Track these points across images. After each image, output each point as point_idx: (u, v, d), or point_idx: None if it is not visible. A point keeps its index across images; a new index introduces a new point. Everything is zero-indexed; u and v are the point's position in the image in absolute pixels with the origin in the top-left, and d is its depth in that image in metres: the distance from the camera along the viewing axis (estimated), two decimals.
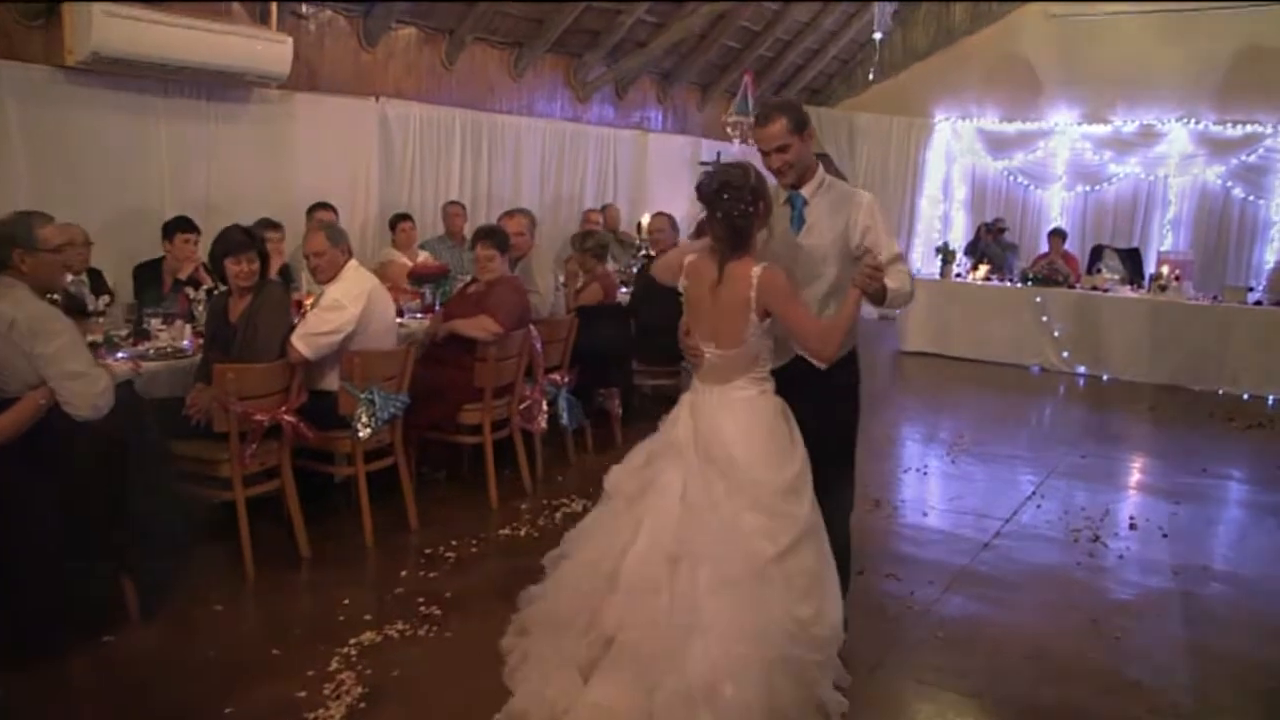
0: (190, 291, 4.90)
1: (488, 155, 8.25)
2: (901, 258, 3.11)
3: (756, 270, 2.81)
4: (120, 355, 4.16)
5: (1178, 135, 10.35)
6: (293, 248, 5.86)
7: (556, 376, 5.26)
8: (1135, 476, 6.04)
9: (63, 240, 3.41)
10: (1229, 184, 10.30)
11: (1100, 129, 10.76)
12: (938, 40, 11.58)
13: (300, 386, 4.02)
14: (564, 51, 8.85)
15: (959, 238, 11.29)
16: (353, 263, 4.35)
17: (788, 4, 9.91)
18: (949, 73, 11.50)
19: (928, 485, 5.64)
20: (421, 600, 3.72)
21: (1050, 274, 9.22)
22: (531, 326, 4.94)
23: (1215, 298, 8.59)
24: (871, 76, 10.95)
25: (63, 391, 3.11)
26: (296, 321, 4.17)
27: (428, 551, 4.22)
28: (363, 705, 2.99)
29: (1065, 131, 10.96)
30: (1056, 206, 11.23)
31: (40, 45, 5.35)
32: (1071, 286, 9.11)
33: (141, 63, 5.44)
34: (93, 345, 4.07)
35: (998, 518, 4.96)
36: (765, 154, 3.08)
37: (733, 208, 2.82)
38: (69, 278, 4.83)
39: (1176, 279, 8.74)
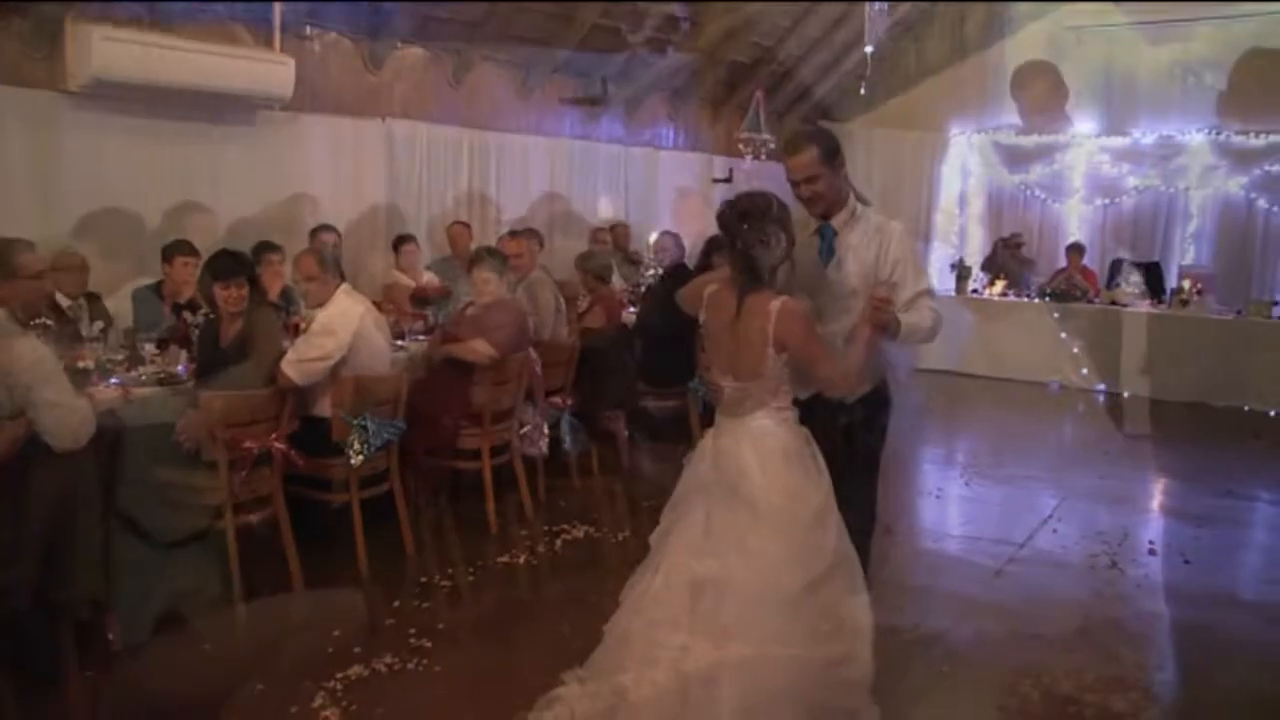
0: (189, 316, 4.86)
1: (495, 174, 8.19)
2: (929, 293, 3.01)
3: (775, 304, 2.70)
4: (113, 381, 4.09)
5: (1198, 146, 10.12)
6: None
7: (558, 400, 5.18)
8: (1156, 498, 5.84)
9: (44, 267, 3.36)
10: (1252, 195, 10.01)
11: (1119, 141, 10.55)
12: (952, 54, 11.46)
13: (292, 413, 3.96)
14: (571, 72, 8.80)
15: (975, 252, 11.12)
16: (345, 287, 4.29)
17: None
18: (964, 86, 11.34)
19: (941, 509, 5.49)
20: (413, 632, 3.64)
21: (1069, 289, 9.05)
22: (531, 350, 4.87)
23: (1239, 312, 8.39)
24: (863, 90, 10.80)
25: (42, 421, 3.05)
26: (288, 346, 4.11)
27: (423, 580, 4.14)
28: None
29: (1083, 144, 10.75)
30: (1074, 220, 11.01)
31: (43, 71, 5.35)
32: (1090, 301, 8.93)
33: (143, 86, 5.42)
34: (85, 371, 4.03)
35: (1012, 543, 4.80)
36: (795, 184, 3.00)
37: (752, 239, 2.72)
38: (66, 303, 4.85)
39: (1199, 293, 8.55)
